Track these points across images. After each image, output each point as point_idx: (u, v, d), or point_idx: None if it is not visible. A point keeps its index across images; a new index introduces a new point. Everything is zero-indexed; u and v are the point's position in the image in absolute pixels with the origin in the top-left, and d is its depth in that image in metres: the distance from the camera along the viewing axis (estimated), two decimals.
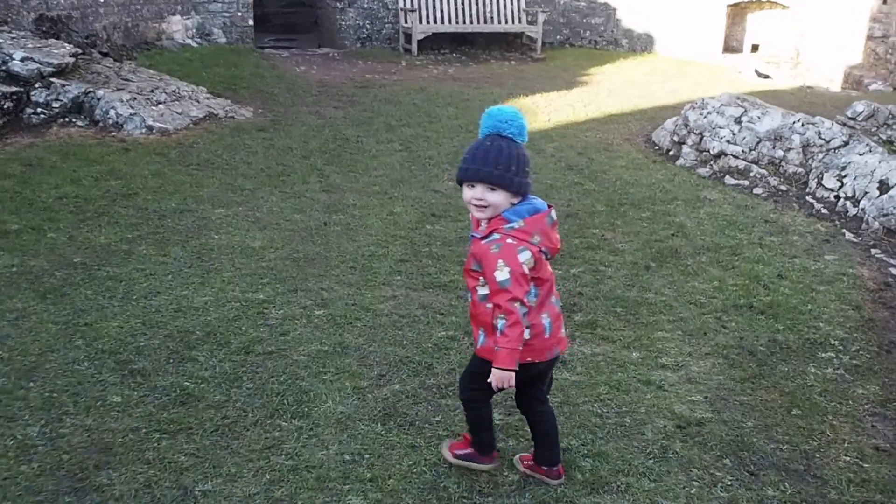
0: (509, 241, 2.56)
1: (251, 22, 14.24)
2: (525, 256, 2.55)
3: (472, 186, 2.62)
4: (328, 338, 4.05)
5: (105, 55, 11.09)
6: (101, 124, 8.38)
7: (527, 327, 2.57)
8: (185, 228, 5.64)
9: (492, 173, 2.56)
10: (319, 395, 3.50)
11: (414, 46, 14.66)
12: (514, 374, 2.53)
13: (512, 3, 15.78)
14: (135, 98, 8.77)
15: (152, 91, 9.20)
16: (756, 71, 14.09)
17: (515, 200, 2.60)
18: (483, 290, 2.63)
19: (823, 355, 4.04)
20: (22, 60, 8.40)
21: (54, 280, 4.70)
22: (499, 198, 2.58)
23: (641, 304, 4.55)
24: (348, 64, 13.62)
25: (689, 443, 3.25)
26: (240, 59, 12.67)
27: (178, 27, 13.33)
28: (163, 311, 4.32)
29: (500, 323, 2.52)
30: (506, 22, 15.76)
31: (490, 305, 2.58)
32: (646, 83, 12.25)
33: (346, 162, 7.43)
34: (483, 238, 2.63)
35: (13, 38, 9.08)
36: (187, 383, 3.58)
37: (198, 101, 9.52)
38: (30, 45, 8.92)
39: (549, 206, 2.67)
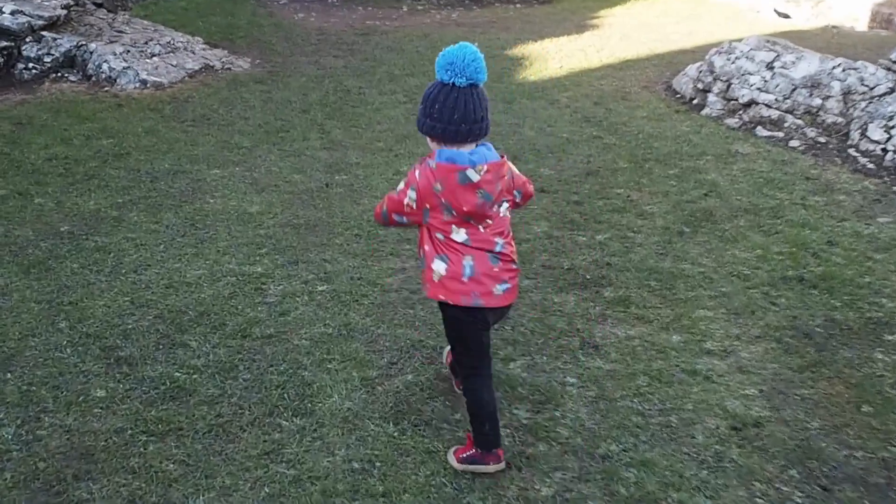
0: (416, 171, 2.61)
1: None
2: (411, 193, 2.60)
3: None
4: (332, 318, 3.70)
5: (99, 6, 10.60)
6: (93, 79, 7.94)
7: (443, 262, 2.64)
8: (179, 192, 5.27)
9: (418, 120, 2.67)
10: (324, 388, 3.16)
11: None
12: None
13: None
14: (128, 51, 8.31)
15: (146, 43, 8.73)
16: (775, 10, 13.48)
17: (447, 146, 2.57)
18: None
19: (890, 338, 3.64)
20: (12, 14, 7.94)
21: (39, 252, 4.34)
22: (429, 142, 2.65)
23: (677, 276, 4.17)
24: (348, 10, 13.04)
25: (747, 448, 2.88)
26: (236, 8, 12.12)
27: None
28: (153, 288, 3.97)
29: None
30: None
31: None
32: (660, 25, 11.68)
33: (347, 116, 7.00)
34: None
35: None
36: (178, 374, 3.24)
37: (193, 53, 9.05)
38: None
39: (485, 164, 2.54)
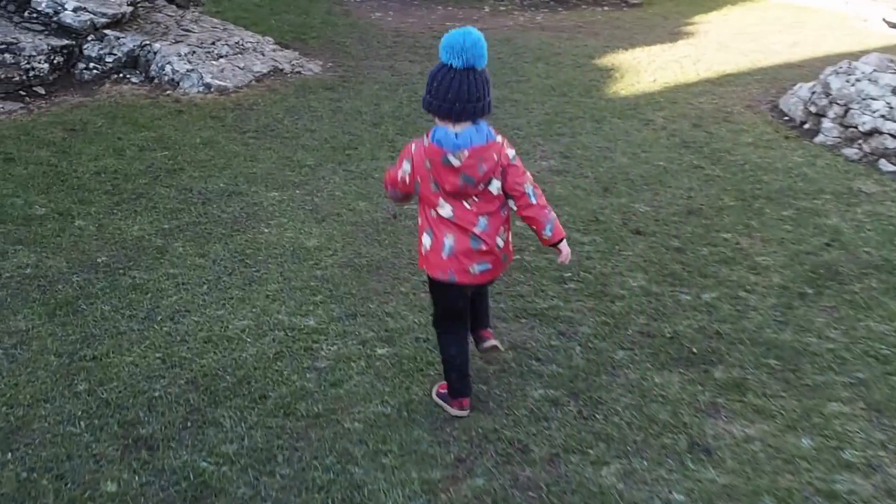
0: (412, 145, 2.89)
1: None
2: (406, 166, 2.88)
3: None
4: (392, 393, 3.13)
5: (171, 1, 10.29)
6: (155, 81, 7.58)
7: (428, 237, 2.91)
8: (232, 218, 4.78)
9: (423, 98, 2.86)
10: (375, 494, 2.60)
11: None
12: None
13: None
14: (194, 52, 7.91)
15: (213, 43, 8.33)
16: (884, 20, 12.40)
17: (444, 123, 2.77)
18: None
19: None
20: (74, 11, 7.62)
21: (70, 289, 3.90)
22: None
23: (802, 353, 3.47)
24: (427, 9, 12.50)
25: None
26: (311, 5, 11.70)
27: None
28: (189, 342, 3.47)
29: None
30: None
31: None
32: (760, 34, 10.80)
33: (421, 131, 6.42)
34: None
35: None
36: (205, 464, 2.72)
37: (262, 55, 8.62)
38: None
39: (466, 150, 2.72)
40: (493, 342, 3.14)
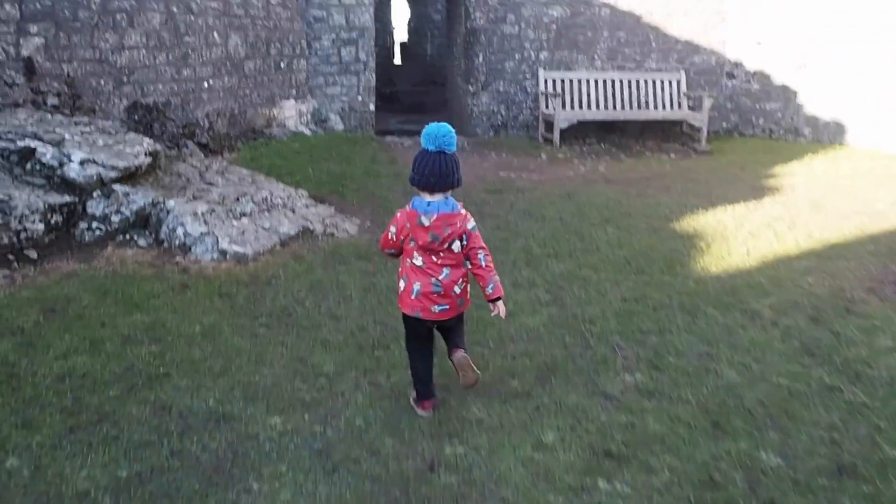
0: (398, 213, 3.85)
1: (372, 107, 12.50)
2: (393, 228, 3.84)
3: None
4: None
5: (204, 146, 9.53)
6: (165, 245, 6.57)
7: (403, 282, 3.86)
8: (213, 461, 3.54)
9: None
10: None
11: (556, 136, 12.51)
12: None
13: (671, 86, 13.47)
14: (213, 210, 6.92)
15: (238, 199, 7.36)
16: None
17: (423, 194, 3.73)
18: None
19: None
20: (81, 164, 6.72)
21: None
22: None
23: None
24: (479, 156, 11.61)
25: None
26: (355, 151, 10.85)
27: (291, 113, 11.70)
28: None
29: None
30: (663, 107, 13.44)
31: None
32: (856, 189, 9.58)
33: (468, 323, 5.23)
34: None
35: (86, 132, 7.48)
36: None
37: (293, 212, 7.62)
38: (100, 143, 7.29)
39: (435, 214, 3.67)
40: (461, 354, 3.86)
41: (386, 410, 4.04)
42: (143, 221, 6.77)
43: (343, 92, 12.34)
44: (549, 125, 12.75)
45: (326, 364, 4.55)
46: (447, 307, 3.79)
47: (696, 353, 4.77)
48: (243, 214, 7.17)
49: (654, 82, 13.38)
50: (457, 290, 3.81)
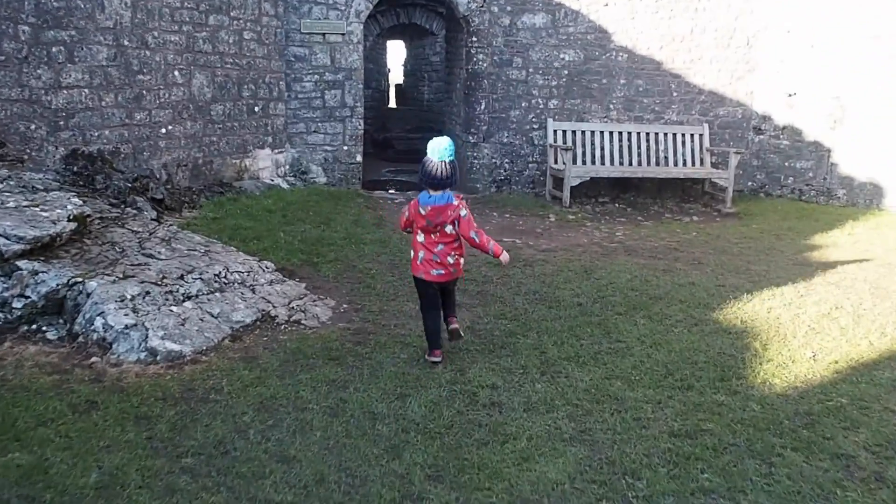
0: (410, 203, 5.10)
1: (359, 158, 11.16)
2: (406, 213, 5.11)
3: None
4: None
5: (159, 202, 8.15)
6: (80, 339, 5.16)
7: (413, 251, 5.11)
8: None
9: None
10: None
11: (566, 194, 11.16)
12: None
13: (692, 141, 12.18)
14: (146, 293, 5.53)
15: (182, 277, 5.97)
16: None
17: (429, 188, 4.95)
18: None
19: None
20: None
21: None
22: None
23: None
24: (480, 216, 10.21)
25: None
26: (337, 210, 9.48)
27: (266, 163, 10.35)
28: None
29: None
30: (684, 164, 12.13)
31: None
32: None
33: (467, 467, 3.84)
34: None
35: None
36: None
37: (252, 291, 6.23)
38: (10, 204, 5.93)
39: (430, 206, 4.93)
40: (454, 325, 5.20)
41: None
42: (57, 307, 5.38)
43: (326, 140, 11.01)
44: (559, 182, 11.41)
45: None
46: (443, 272, 5.03)
47: None
48: (187, 297, 5.76)
49: (674, 136, 12.09)
50: (450, 260, 5.04)
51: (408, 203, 5.16)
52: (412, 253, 5.08)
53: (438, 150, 4.88)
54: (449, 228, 4.94)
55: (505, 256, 5.00)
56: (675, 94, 12.21)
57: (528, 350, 5.44)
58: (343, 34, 10.84)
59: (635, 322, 6.09)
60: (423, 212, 4.92)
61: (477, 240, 4.94)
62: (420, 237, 5.01)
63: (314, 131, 10.95)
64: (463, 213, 4.94)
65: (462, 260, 5.12)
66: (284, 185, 10.36)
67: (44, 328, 5.23)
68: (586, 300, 6.61)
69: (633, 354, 5.42)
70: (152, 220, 7.40)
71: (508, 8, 11.59)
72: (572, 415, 4.47)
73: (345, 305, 6.33)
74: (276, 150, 10.59)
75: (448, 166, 4.86)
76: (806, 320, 6.27)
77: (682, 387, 4.89)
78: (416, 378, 4.89)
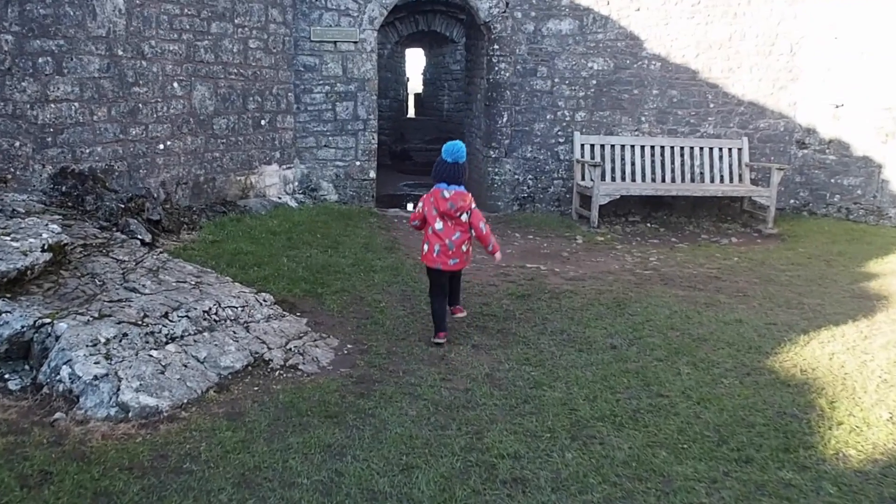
0: (424, 196, 5.71)
1: (373, 174, 10.48)
2: (420, 204, 5.70)
3: None
4: None
5: (155, 224, 7.53)
6: (45, 390, 4.50)
7: (426, 245, 5.67)
8: None
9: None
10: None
11: (594, 214, 10.40)
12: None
13: (730, 156, 11.40)
14: (124, 336, 4.88)
15: (166, 315, 5.30)
16: None
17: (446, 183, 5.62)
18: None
19: None
20: None
21: None
22: None
23: None
24: (501, 238, 9.51)
25: None
26: (347, 231, 8.81)
27: (273, 180, 9.69)
28: None
29: None
30: (721, 181, 11.35)
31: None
32: None
33: None
34: None
35: None
36: None
37: (246, 329, 5.57)
38: None
39: (454, 190, 5.57)
40: (460, 315, 5.91)
41: None
42: (23, 351, 4.74)
43: (338, 155, 10.35)
44: (586, 200, 10.67)
45: None
46: (458, 261, 5.64)
47: None
48: (171, 339, 5.10)
49: (711, 150, 11.31)
50: (464, 248, 5.66)
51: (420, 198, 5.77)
52: (425, 246, 5.64)
53: (452, 153, 5.61)
54: (464, 217, 5.57)
55: (498, 256, 5.86)
56: (711, 105, 11.43)
57: (556, 406, 4.71)
58: (356, 42, 10.18)
59: (678, 370, 5.34)
60: (447, 195, 5.51)
61: (484, 230, 5.62)
62: (438, 225, 5.56)
63: (325, 146, 10.29)
64: (474, 205, 5.66)
65: (471, 249, 5.79)
66: (293, 203, 9.70)
67: (6, 376, 4.60)
68: (621, 342, 5.87)
69: (678, 413, 4.67)
70: (144, 244, 6.77)
71: (533, 13, 10.88)
72: (610, 498, 3.74)
73: (349, 346, 5.64)
74: (284, 166, 9.94)
75: (461, 167, 5.61)
76: (875, 369, 5.49)
77: (740, 459, 4.14)
78: (425, 443, 4.19)
